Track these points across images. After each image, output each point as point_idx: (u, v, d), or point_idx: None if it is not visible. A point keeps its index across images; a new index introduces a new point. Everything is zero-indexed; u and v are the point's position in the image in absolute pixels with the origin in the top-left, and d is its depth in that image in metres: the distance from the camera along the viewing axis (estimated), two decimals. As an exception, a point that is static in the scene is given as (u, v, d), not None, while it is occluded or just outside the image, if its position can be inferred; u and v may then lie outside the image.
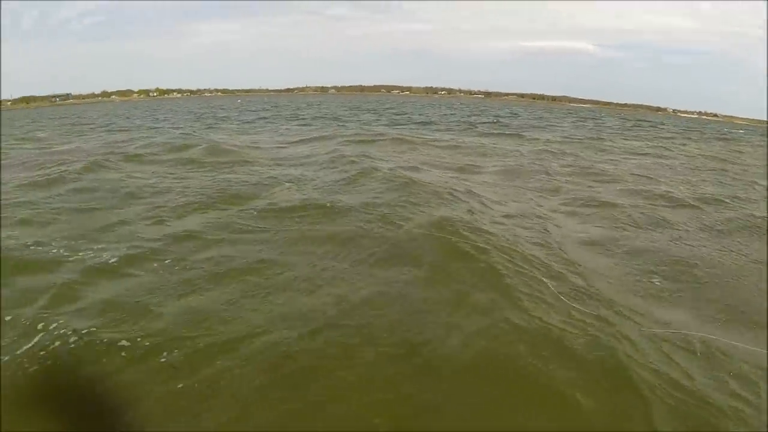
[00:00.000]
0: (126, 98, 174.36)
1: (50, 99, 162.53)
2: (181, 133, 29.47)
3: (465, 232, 9.06)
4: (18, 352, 5.39)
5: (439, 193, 12.52)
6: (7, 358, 5.27)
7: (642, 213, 12.65)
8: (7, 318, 6.12)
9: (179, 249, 8.76)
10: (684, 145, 36.58)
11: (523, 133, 34.88)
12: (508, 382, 5.06)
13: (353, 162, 16.63)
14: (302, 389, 4.94)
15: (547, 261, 8.24)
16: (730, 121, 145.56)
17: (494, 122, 47.85)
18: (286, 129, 35.14)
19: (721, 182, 19.06)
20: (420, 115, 56.55)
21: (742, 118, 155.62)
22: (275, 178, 15.02)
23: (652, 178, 18.62)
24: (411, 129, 36.37)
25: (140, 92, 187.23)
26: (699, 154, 29.67)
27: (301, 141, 26.60)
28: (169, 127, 37.84)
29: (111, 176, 15.34)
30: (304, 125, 38.86)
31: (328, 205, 11.28)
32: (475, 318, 6.27)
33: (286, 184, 14.18)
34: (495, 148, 25.03)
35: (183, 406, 4.70)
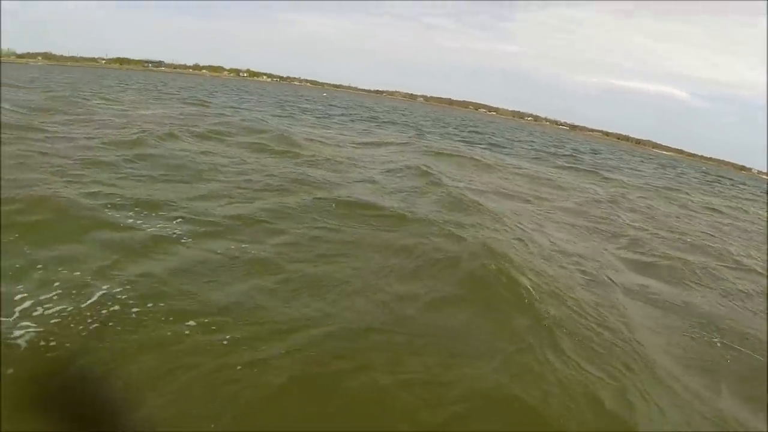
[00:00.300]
0: (216, 74, 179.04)
1: (143, 64, 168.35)
2: (260, 118, 29.85)
3: (522, 265, 9.03)
4: (83, 305, 5.77)
5: (504, 221, 12.49)
6: (71, 308, 5.66)
7: (706, 272, 12.25)
8: (75, 273, 6.48)
9: (250, 232, 9.09)
10: (762, 209, 35.76)
11: (601, 172, 34.56)
12: (532, 412, 5.18)
13: (427, 173, 16.72)
14: (342, 386, 5.17)
15: (598, 308, 8.16)
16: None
17: (573, 156, 47.33)
18: (366, 130, 35.71)
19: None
20: (501, 137, 56.27)
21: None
22: (351, 176, 15.44)
23: (724, 239, 18.16)
24: (490, 151, 36.45)
25: (231, 71, 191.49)
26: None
27: (380, 144, 27.09)
28: (253, 110, 38.38)
29: (191, 148, 15.85)
30: (386, 130, 39.36)
31: (400, 212, 11.43)
32: (516, 346, 6.34)
33: (359, 184, 14.48)
34: (570, 183, 24.67)
35: (230, 378, 5.00)
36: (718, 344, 8.08)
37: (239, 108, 38.69)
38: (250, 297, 6.55)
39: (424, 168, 17.32)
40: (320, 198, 11.93)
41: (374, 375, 5.34)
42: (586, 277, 9.72)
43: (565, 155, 46.94)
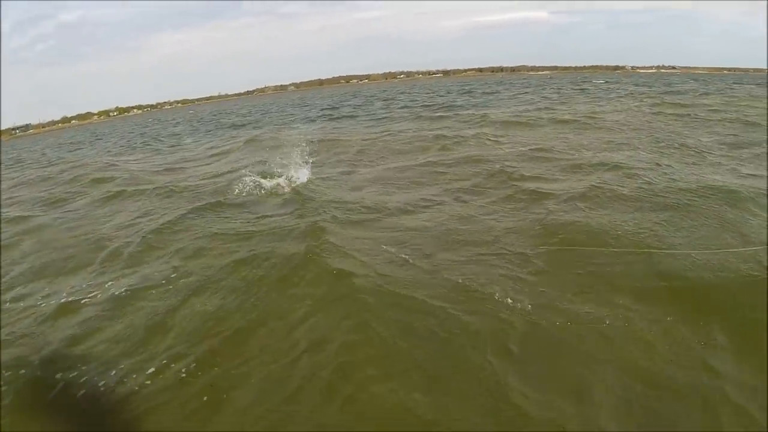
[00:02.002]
0: (87, 121, 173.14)
1: (10, 132, 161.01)
2: (113, 162, 28.42)
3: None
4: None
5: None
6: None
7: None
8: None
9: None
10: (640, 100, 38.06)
11: (480, 111, 34.88)
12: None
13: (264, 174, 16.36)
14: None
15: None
16: (688, 72, 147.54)
17: (440, 104, 46.71)
18: (225, 139, 35.12)
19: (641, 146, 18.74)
20: (366, 106, 55.24)
21: (701, 68, 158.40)
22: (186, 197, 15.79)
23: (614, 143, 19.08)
24: (352, 123, 36.66)
25: (100, 113, 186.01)
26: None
27: (227, 152, 27.00)
28: (114, 152, 37.24)
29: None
30: (237, 134, 38.43)
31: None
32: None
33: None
34: (431, 134, 24.24)
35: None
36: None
37: (99, 156, 36.17)
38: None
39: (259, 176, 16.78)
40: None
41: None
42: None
43: (428, 105, 47.12)
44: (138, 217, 14.13)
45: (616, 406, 5.22)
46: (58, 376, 6.31)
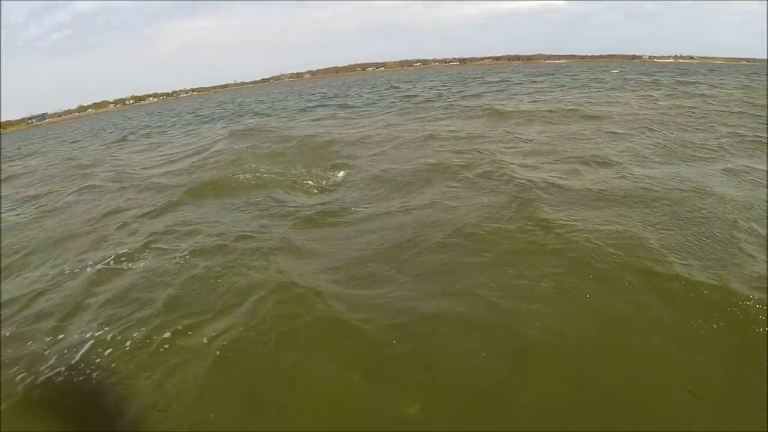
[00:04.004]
0: (103, 109, 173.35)
1: (27, 121, 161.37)
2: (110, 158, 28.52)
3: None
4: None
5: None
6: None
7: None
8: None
9: None
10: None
11: (487, 101, 35.00)
12: None
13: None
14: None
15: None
16: (705, 62, 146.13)
17: (448, 93, 46.33)
18: (212, 133, 34.08)
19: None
20: (371, 95, 54.74)
21: (719, 58, 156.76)
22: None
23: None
24: (352, 113, 36.82)
25: (116, 102, 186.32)
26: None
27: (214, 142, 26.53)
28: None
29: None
30: (228, 125, 38.69)
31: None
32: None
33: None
34: (429, 126, 24.10)
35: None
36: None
37: (102, 148, 36.24)
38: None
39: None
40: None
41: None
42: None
43: (437, 94, 46.54)
44: (130, 207, 14.60)
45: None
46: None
